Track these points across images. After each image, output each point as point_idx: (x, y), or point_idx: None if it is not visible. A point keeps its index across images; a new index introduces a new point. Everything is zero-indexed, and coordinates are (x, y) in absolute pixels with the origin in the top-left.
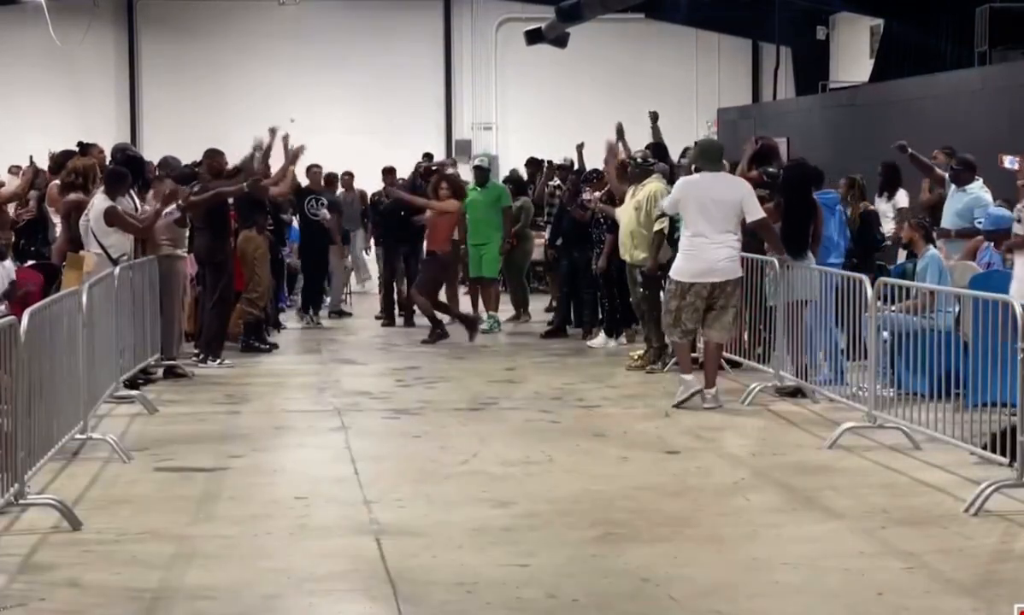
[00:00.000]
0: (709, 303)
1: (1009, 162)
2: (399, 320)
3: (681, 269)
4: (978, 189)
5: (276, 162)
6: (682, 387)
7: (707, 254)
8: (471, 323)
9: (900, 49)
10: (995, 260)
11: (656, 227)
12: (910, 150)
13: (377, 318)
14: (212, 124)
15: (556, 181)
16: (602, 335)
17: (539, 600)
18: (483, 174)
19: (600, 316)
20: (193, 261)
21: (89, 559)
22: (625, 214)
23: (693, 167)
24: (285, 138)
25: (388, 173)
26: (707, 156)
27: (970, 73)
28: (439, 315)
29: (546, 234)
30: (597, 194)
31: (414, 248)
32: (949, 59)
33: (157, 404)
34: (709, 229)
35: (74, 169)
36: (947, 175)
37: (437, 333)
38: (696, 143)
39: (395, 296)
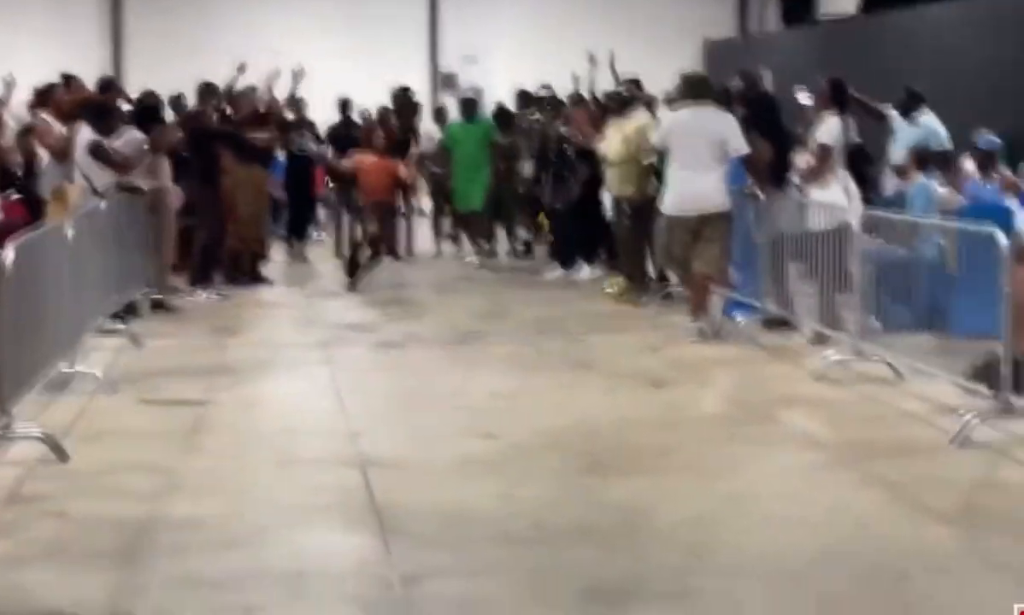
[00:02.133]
0: (696, 235)
1: (804, 98)
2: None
3: (670, 203)
4: (931, 121)
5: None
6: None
7: (693, 187)
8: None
9: None
10: (984, 192)
11: (646, 161)
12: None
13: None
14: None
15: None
16: (586, 267)
17: (524, 531)
18: (471, 107)
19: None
20: (179, 194)
21: (76, 491)
22: (611, 148)
23: (678, 100)
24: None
25: (343, 104)
26: (692, 89)
27: (958, 4)
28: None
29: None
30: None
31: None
32: None
33: (144, 337)
34: (695, 162)
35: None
36: (891, 109)
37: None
38: (682, 75)
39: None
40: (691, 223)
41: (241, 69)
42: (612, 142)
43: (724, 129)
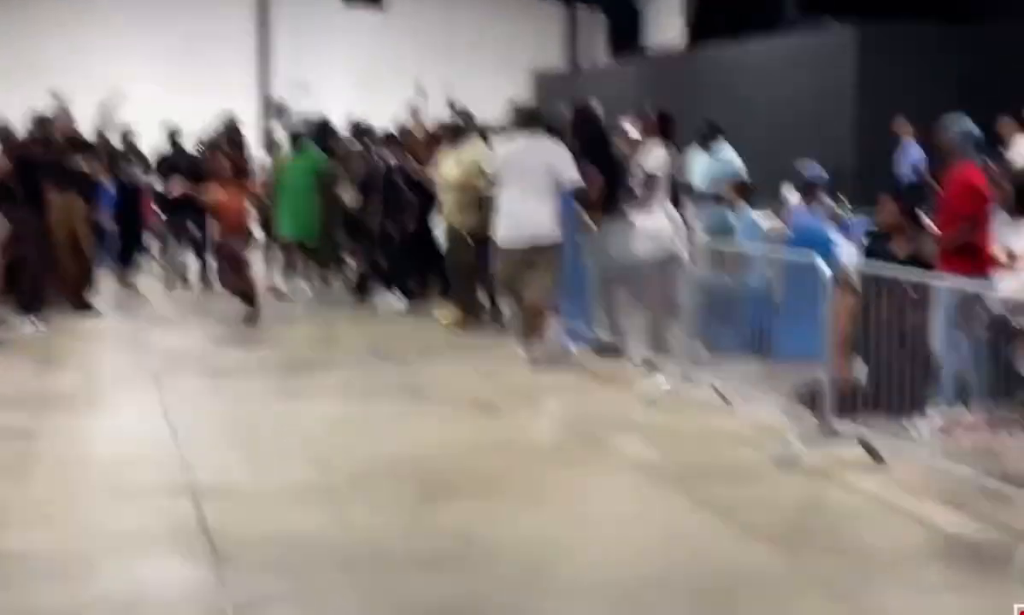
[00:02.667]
0: (527, 264)
1: (630, 128)
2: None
3: (501, 234)
4: (728, 152)
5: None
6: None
7: (524, 217)
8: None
9: (712, 14)
10: (808, 221)
11: (487, 191)
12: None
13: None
14: (17, 81)
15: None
16: (391, 296)
17: (360, 558)
18: (299, 139)
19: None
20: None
21: None
22: (447, 177)
23: (510, 131)
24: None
25: (171, 133)
26: (524, 120)
27: (779, 40)
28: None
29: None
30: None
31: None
32: (759, 24)
33: None
34: (526, 192)
35: None
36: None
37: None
38: (513, 106)
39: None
40: (522, 253)
41: (56, 97)
42: (448, 171)
43: (556, 160)
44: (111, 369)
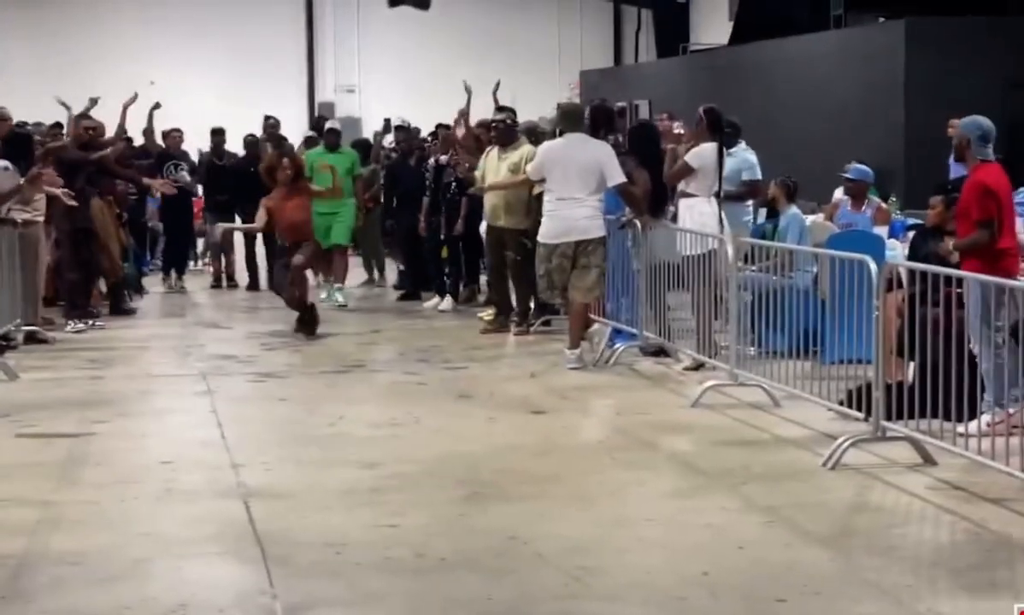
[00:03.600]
0: (573, 262)
1: (676, 127)
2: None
3: (546, 231)
4: (743, 150)
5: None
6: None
7: (569, 214)
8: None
9: (758, 12)
10: (857, 220)
11: (537, 190)
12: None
13: (214, 286)
14: (70, 85)
15: (391, 141)
16: (437, 297)
17: (407, 559)
18: (337, 138)
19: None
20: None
21: None
22: (495, 178)
23: (557, 130)
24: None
25: (216, 133)
26: (569, 119)
27: (825, 36)
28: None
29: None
30: (444, 157)
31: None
32: (806, 23)
33: (18, 370)
34: (571, 191)
35: None
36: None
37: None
38: (558, 106)
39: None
40: (568, 251)
41: (93, 102)
42: (497, 172)
43: (600, 158)
44: (160, 371)
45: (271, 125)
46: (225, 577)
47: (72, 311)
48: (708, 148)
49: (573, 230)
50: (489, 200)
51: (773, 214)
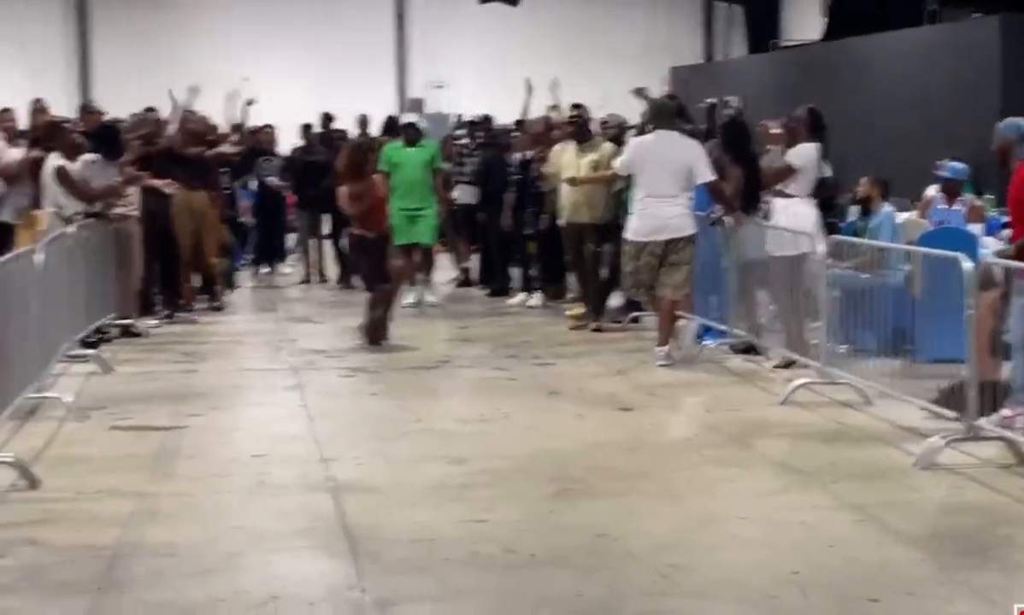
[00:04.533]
0: (661, 260)
1: (774, 127)
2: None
3: (635, 229)
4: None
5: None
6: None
7: (659, 212)
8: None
9: (851, 7)
10: (950, 218)
11: (617, 187)
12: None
13: (304, 281)
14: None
15: (464, 138)
16: (524, 293)
17: (497, 555)
18: (416, 133)
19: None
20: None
21: (48, 517)
22: (575, 172)
23: (647, 127)
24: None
25: (306, 129)
26: (660, 116)
27: (919, 32)
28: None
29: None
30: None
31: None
32: (899, 18)
33: (112, 363)
34: (661, 189)
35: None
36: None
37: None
38: (649, 102)
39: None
40: (657, 249)
41: (194, 92)
42: (576, 166)
43: (689, 156)
44: (252, 366)
45: (359, 122)
46: (315, 571)
47: (162, 304)
48: (810, 148)
49: (664, 228)
50: (569, 196)
51: (866, 212)
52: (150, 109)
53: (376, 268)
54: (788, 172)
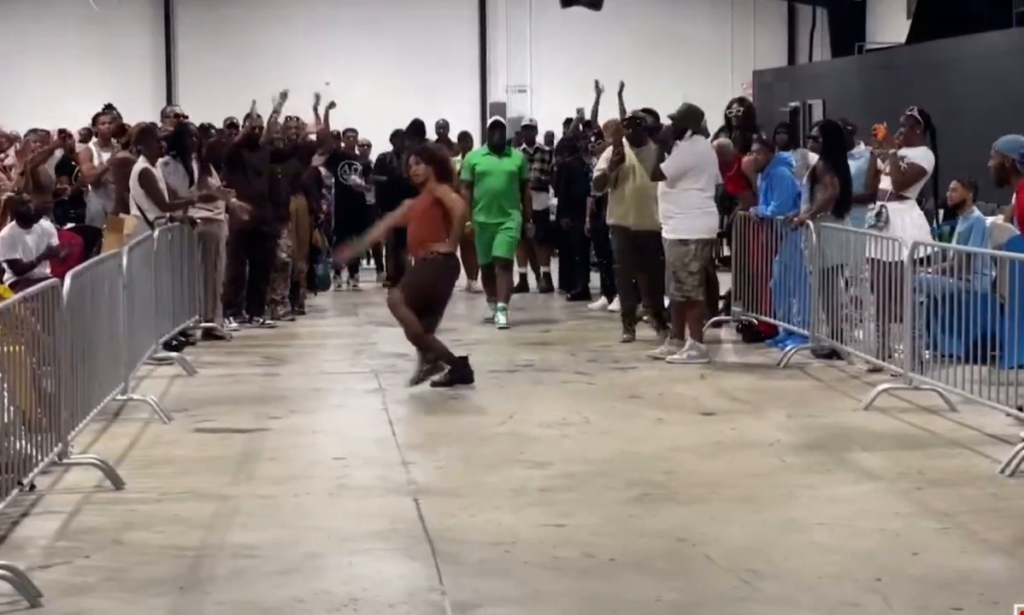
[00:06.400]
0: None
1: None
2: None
3: (710, 226)
4: (865, 151)
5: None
6: (695, 352)
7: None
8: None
9: (937, 9)
10: None
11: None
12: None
13: (384, 285)
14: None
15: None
16: (605, 298)
17: (576, 559)
18: (501, 135)
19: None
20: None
21: (132, 517)
22: (631, 179)
23: (688, 132)
24: (317, 99)
25: (395, 137)
26: (695, 118)
27: (1008, 34)
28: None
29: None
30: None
31: None
32: (987, 19)
33: (196, 366)
34: (710, 189)
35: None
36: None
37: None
38: (684, 105)
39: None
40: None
41: (284, 96)
42: (634, 173)
43: (715, 159)
44: (333, 369)
45: (440, 127)
46: (395, 573)
47: (226, 310)
48: (927, 150)
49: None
50: (625, 202)
51: (951, 215)
52: (231, 123)
53: (415, 304)
54: (921, 174)
